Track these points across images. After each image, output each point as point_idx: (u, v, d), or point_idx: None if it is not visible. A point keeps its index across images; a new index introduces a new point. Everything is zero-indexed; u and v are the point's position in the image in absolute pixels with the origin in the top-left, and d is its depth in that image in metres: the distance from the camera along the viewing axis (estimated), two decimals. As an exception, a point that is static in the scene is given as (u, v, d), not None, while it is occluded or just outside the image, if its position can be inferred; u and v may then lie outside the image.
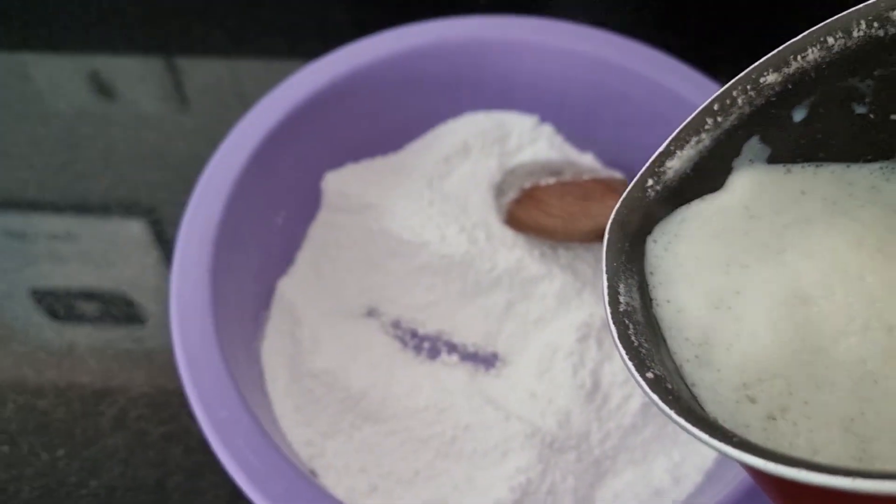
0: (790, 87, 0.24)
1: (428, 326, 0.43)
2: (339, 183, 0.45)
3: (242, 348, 0.38)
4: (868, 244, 0.22)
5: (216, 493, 0.41)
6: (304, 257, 0.45)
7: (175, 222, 0.50)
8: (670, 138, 0.25)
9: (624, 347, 0.21)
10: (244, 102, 0.55)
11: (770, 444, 0.20)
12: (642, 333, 0.22)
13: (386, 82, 0.44)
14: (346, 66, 0.43)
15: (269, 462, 0.31)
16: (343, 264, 0.45)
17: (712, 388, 0.22)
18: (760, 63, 0.24)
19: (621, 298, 0.22)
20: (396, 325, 0.44)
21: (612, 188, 0.43)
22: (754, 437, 0.21)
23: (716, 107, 0.24)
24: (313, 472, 0.37)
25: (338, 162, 0.46)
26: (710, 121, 0.24)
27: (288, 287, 0.43)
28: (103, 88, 0.59)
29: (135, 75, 0.59)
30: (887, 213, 0.23)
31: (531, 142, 0.47)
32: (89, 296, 0.48)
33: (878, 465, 0.19)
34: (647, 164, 0.24)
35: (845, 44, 0.23)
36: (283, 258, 0.44)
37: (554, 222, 0.43)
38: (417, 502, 0.36)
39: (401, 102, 0.46)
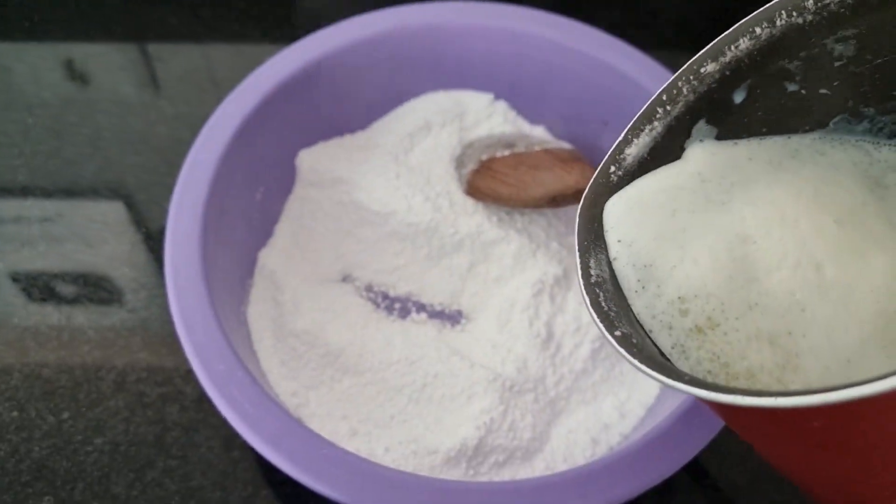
0: (728, 73, 0.28)
1: (398, 288, 0.48)
2: (311, 160, 0.49)
3: (232, 312, 0.42)
4: (805, 194, 0.26)
5: (209, 444, 0.46)
6: (282, 229, 0.49)
7: (159, 202, 0.54)
8: (627, 129, 0.29)
9: (595, 312, 0.25)
10: (219, 88, 0.59)
11: (696, 354, 0.25)
12: (611, 299, 0.26)
13: (352, 66, 0.48)
14: (315, 51, 0.47)
15: (262, 408, 0.35)
16: (318, 234, 0.49)
17: (651, 304, 0.26)
18: (700, 55, 0.28)
19: (592, 271, 0.27)
20: (369, 288, 0.48)
21: (560, 158, 0.48)
22: (685, 344, 0.25)
23: (664, 97, 0.29)
24: (299, 420, 0.42)
25: (310, 140, 0.50)
26: (660, 110, 0.29)
27: (268, 257, 0.47)
28: (79, 76, 0.62)
29: (111, 63, 0.62)
30: (827, 170, 0.28)
31: (487, 117, 0.51)
32: (80, 275, 0.52)
33: (801, 376, 0.24)
34: (609, 153, 0.29)
35: (771, 32, 0.27)
36: (263, 231, 0.48)
37: (509, 190, 0.47)
38: (393, 442, 0.41)
39: (366, 84, 0.50)
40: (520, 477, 0.41)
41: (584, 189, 0.45)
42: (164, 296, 0.49)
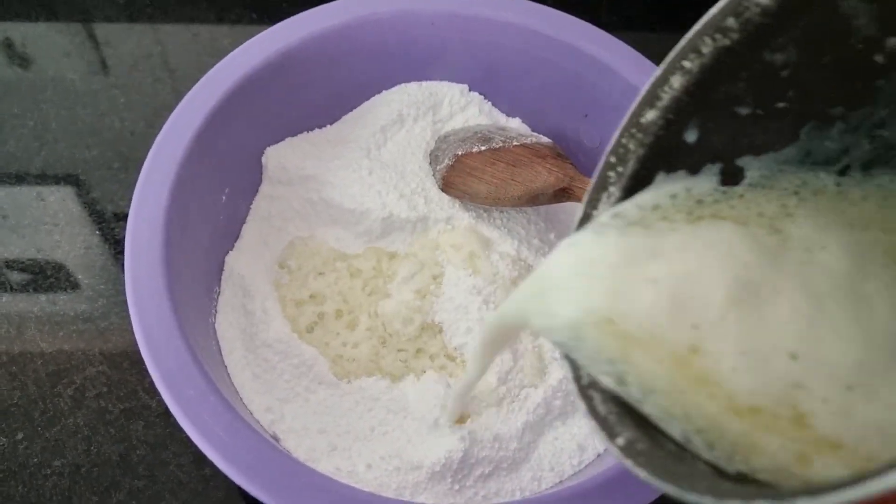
0: (671, 116, 0.25)
1: (374, 291, 0.46)
2: (279, 157, 0.46)
3: (200, 324, 0.40)
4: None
5: (179, 462, 0.44)
6: (250, 231, 0.46)
7: (114, 200, 0.51)
8: (583, 204, 0.26)
9: (594, 419, 0.23)
10: (174, 76, 0.55)
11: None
12: (609, 399, 0.23)
13: (319, 57, 0.45)
14: (281, 43, 0.44)
15: (236, 435, 0.33)
16: (287, 235, 0.46)
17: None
18: (635, 105, 0.25)
19: (582, 372, 0.24)
20: (343, 292, 0.46)
21: (540, 154, 0.46)
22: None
23: (612, 159, 0.26)
24: (275, 437, 0.40)
25: (277, 137, 0.47)
26: (612, 174, 0.26)
27: (236, 261, 0.45)
28: (19, 60, 0.57)
29: (55, 46, 0.58)
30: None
31: (462, 109, 0.49)
32: (31, 282, 0.48)
33: (813, 431, 0.21)
34: (569, 238, 0.25)
35: (701, 62, 0.24)
36: (230, 233, 0.45)
37: (487, 188, 0.45)
38: (375, 458, 0.39)
39: (335, 76, 0.47)
40: (507, 489, 0.40)
41: (565, 187, 0.44)
42: (122, 302, 0.46)
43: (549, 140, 0.48)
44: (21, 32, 0.59)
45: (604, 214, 0.25)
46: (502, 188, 0.45)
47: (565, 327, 0.23)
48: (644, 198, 0.26)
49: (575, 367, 0.24)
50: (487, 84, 0.50)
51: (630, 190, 0.26)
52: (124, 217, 0.50)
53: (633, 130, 0.26)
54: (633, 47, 0.46)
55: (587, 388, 0.23)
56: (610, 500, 0.34)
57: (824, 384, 0.22)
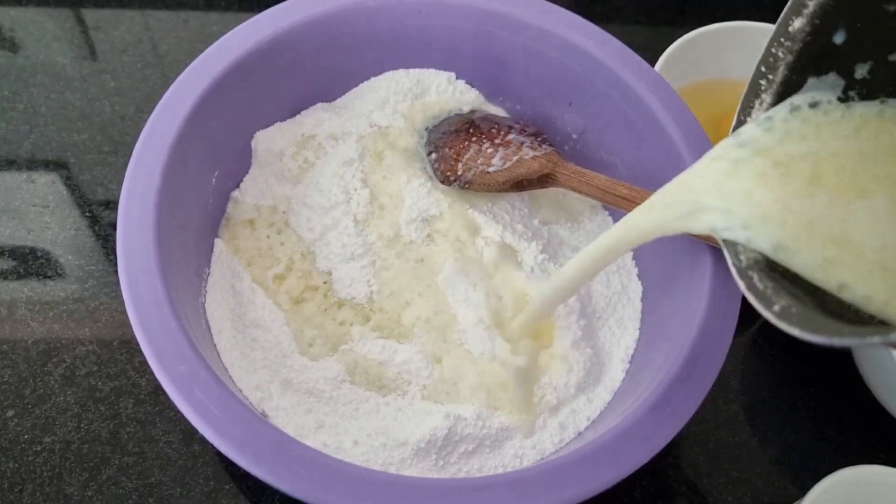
0: (818, 22, 0.27)
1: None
2: (268, 141, 0.47)
3: (190, 304, 0.40)
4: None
5: (167, 439, 0.44)
6: (239, 212, 0.47)
7: (104, 184, 0.51)
8: (738, 109, 0.29)
9: (752, 295, 0.27)
10: (163, 61, 0.56)
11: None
12: (766, 277, 0.27)
13: (309, 44, 0.46)
14: (270, 29, 0.44)
15: (227, 410, 0.34)
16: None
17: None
18: (783, 15, 0.27)
19: (741, 256, 0.28)
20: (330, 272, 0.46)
21: (524, 141, 0.47)
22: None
23: (763, 68, 0.28)
24: (264, 414, 0.41)
25: (266, 122, 0.47)
26: (763, 82, 0.28)
27: (226, 242, 0.45)
28: (9, 44, 0.58)
29: (45, 31, 0.58)
30: None
31: (448, 97, 0.50)
32: (21, 261, 0.49)
33: None
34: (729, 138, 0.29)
35: None
36: (219, 215, 0.46)
37: (472, 175, 0.46)
38: (362, 434, 0.40)
39: (323, 62, 0.48)
40: (489, 465, 0.41)
41: (549, 173, 0.45)
42: (112, 284, 0.47)
43: (535, 128, 0.49)
44: (11, 17, 0.59)
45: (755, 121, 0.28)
46: (488, 174, 0.46)
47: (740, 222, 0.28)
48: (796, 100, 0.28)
49: (733, 253, 0.28)
50: (474, 72, 0.50)
51: (781, 95, 0.28)
52: (114, 201, 0.50)
53: (782, 39, 0.27)
54: (619, 38, 0.47)
55: (745, 269, 0.27)
56: (589, 473, 0.35)
57: None
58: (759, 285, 0.27)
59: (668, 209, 0.31)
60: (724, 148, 0.29)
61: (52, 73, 0.56)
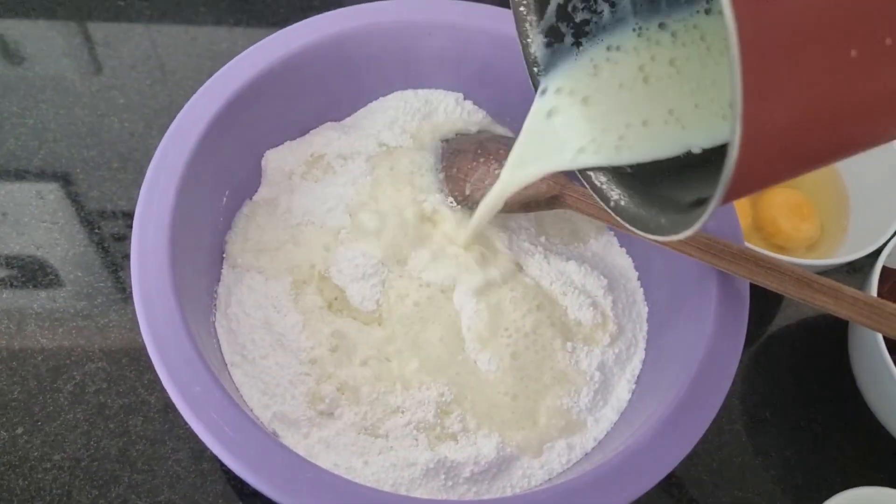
0: None
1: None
2: (278, 160, 0.48)
3: (202, 322, 0.41)
4: None
5: (177, 457, 0.45)
6: (247, 230, 0.47)
7: (114, 200, 0.52)
8: (518, 38, 0.37)
9: (594, 190, 0.35)
10: (171, 79, 0.56)
11: None
12: (599, 174, 0.35)
13: (319, 65, 0.47)
14: (282, 50, 0.45)
15: (241, 431, 0.34)
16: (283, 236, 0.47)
17: None
18: None
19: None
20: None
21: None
22: None
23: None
24: (275, 434, 0.41)
25: (277, 140, 0.48)
26: (522, 9, 0.37)
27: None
28: (17, 57, 0.58)
29: (53, 47, 0.59)
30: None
31: (456, 117, 0.51)
32: (31, 280, 0.49)
33: None
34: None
35: None
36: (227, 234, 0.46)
37: (482, 196, 0.47)
38: (371, 454, 0.41)
39: (334, 83, 0.48)
40: (498, 486, 0.41)
41: (556, 194, 0.46)
42: (121, 301, 0.47)
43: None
44: (20, 32, 0.59)
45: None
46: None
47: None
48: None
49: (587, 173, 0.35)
50: (482, 93, 0.51)
51: (541, 10, 0.35)
52: (122, 215, 0.51)
53: None
54: None
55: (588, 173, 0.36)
56: (598, 496, 0.35)
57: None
58: (597, 182, 0.35)
59: (541, 146, 0.37)
60: (560, 99, 0.36)
61: (61, 88, 0.56)
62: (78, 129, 0.54)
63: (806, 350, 0.53)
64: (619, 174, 0.35)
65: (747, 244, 0.47)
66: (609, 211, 0.34)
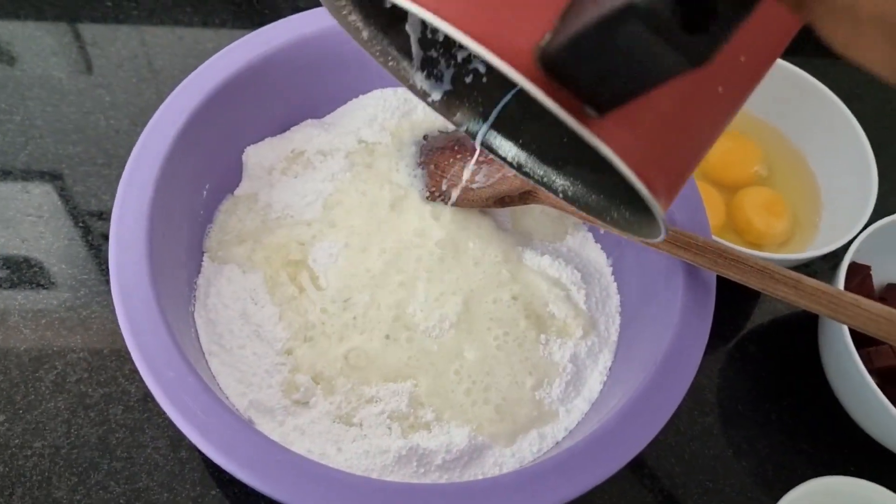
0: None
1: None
2: (259, 156, 0.49)
3: (180, 312, 0.41)
4: None
5: (156, 445, 0.45)
6: (227, 223, 0.48)
7: (98, 195, 0.53)
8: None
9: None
10: (158, 78, 0.57)
11: None
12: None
13: (299, 63, 0.48)
14: (262, 48, 0.46)
15: (214, 415, 0.35)
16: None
17: None
18: None
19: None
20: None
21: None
22: None
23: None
24: (251, 421, 0.42)
25: (257, 136, 0.49)
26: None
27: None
28: (6, 56, 0.59)
29: (42, 46, 0.60)
30: None
31: (436, 115, 0.51)
32: (15, 269, 0.50)
33: None
34: None
35: None
36: (209, 227, 0.47)
37: (458, 191, 0.48)
38: (345, 441, 0.41)
39: (314, 80, 0.49)
40: (470, 474, 0.42)
41: (530, 190, 0.47)
42: (104, 293, 0.48)
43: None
44: (10, 31, 0.60)
45: None
46: (471, 191, 0.48)
47: None
48: None
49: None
50: (460, 91, 0.52)
51: (405, 51, 0.34)
52: (106, 212, 0.52)
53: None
54: None
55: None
56: (563, 479, 0.36)
57: None
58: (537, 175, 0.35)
59: None
60: None
61: (48, 86, 0.57)
62: (64, 126, 0.55)
63: (779, 346, 0.54)
64: (555, 162, 0.34)
65: (717, 238, 0.48)
66: (563, 201, 0.33)
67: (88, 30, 0.60)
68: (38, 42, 0.59)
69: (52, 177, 0.53)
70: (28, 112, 0.56)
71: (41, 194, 0.52)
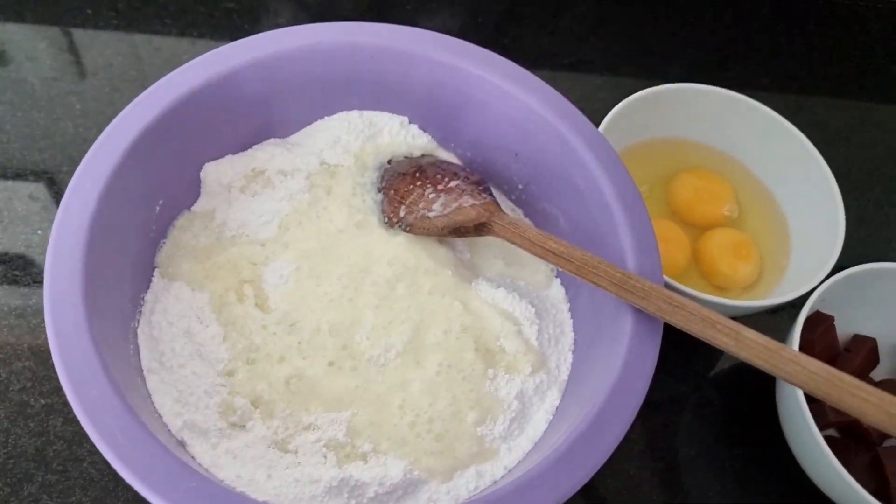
0: None
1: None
2: (218, 174, 0.48)
3: (118, 329, 0.41)
4: None
5: (93, 459, 0.45)
6: (180, 239, 0.48)
7: (57, 199, 0.52)
8: None
9: None
10: (132, 87, 0.57)
11: None
12: None
13: (261, 82, 0.47)
14: (223, 65, 0.46)
15: (131, 436, 0.35)
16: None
17: None
18: None
19: None
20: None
21: (465, 190, 0.48)
22: None
23: None
24: (182, 442, 0.41)
25: (217, 153, 0.49)
26: None
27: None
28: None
29: (18, 48, 0.60)
30: None
31: (401, 141, 0.51)
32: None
33: None
34: None
35: None
36: (162, 243, 0.47)
37: (414, 218, 0.47)
38: (277, 468, 0.41)
39: (278, 100, 0.49)
40: (402, 508, 0.41)
41: (485, 222, 0.46)
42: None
43: (478, 176, 0.50)
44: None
45: None
46: (428, 219, 0.47)
47: None
48: None
49: None
50: (427, 118, 0.52)
51: None
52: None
53: None
54: (582, 90, 0.47)
55: None
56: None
57: None
58: None
59: None
60: None
61: (21, 91, 0.57)
62: (32, 131, 0.55)
63: (740, 394, 0.53)
64: None
65: (670, 281, 0.47)
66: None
67: (65, 36, 0.60)
68: (14, 46, 0.60)
69: (17, 180, 0.53)
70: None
71: (2, 199, 0.52)
